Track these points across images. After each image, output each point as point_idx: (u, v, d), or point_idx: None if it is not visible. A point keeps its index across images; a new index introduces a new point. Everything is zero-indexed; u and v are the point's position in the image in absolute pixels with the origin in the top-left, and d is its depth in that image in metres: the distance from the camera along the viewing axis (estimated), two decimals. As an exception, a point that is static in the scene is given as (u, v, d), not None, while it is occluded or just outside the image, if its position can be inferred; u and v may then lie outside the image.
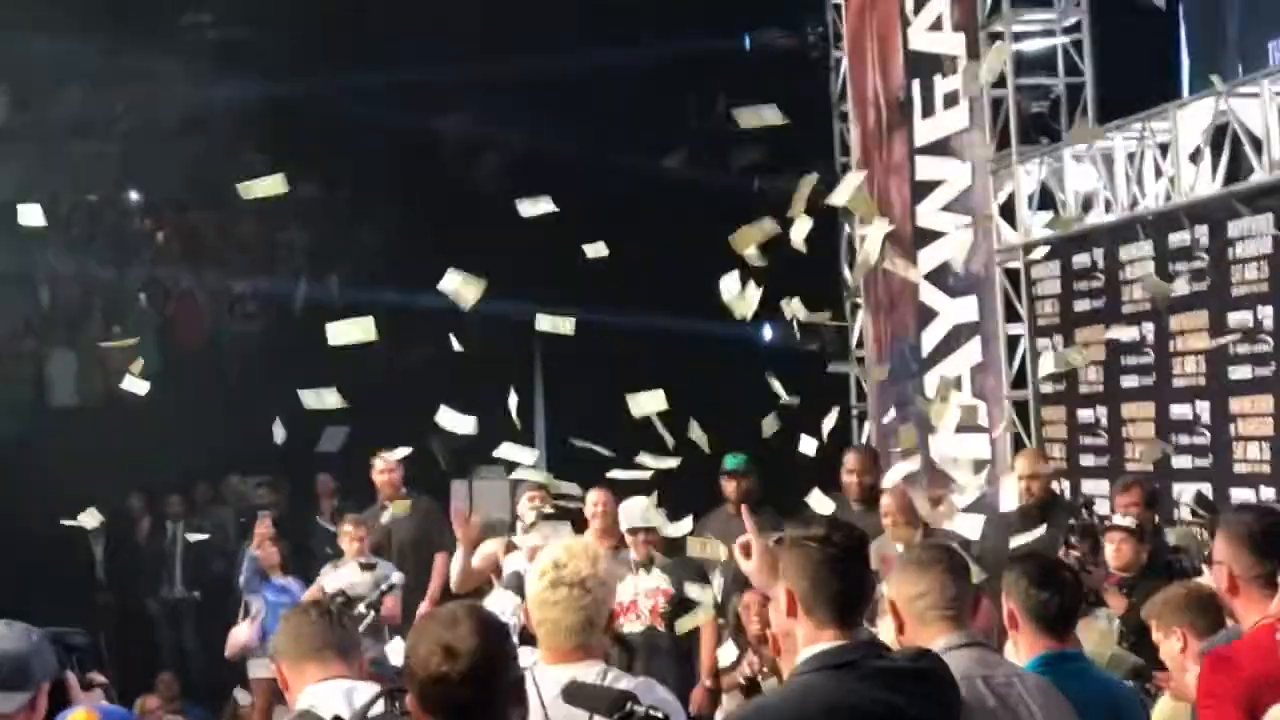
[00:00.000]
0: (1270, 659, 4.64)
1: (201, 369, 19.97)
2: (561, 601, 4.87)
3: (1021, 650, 5.67)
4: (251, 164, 18.89)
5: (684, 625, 10.15)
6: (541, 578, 4.93)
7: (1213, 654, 5.23)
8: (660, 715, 4.15)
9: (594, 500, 11.92)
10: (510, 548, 11.49)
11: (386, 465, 13.57)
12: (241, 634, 13.72)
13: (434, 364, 20.44)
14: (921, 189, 15.47)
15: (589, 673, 4.81)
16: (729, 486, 12.40)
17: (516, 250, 19.23)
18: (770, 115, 9.65)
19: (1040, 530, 10.62)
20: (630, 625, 10.29)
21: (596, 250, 10.11)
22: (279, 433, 11.53)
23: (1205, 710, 5.01)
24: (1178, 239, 12.92)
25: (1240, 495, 12.06)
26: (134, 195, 21.49)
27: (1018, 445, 14.49)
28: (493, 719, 3.88)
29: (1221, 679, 5.00)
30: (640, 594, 10.80)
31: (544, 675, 4.67)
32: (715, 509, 12.35)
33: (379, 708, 4.50)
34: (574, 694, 4.51)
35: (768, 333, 19.65)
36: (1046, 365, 13.10)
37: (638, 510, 10.99)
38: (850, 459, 12.33)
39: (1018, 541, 10.32)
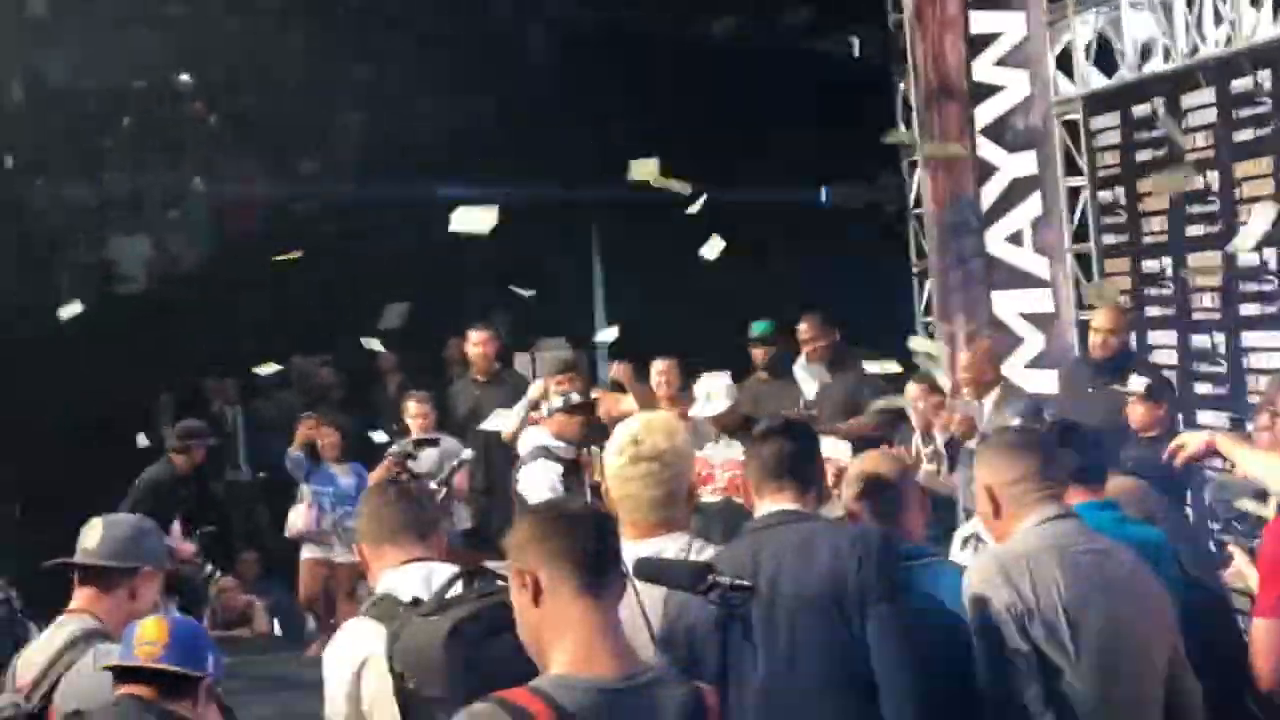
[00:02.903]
0: None
1: (255, 250, 19.94)
2: (641, 477, 4.84)
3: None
4: (298, 43, 18.77)
5: None
6: (620, 454, 4.89)
7: None
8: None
9: (659, 369, 11.98)
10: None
11: (481, 338, 13.66)
12: (297, 519, 13.95)
13: (490, 244, 20.35)
14: (977, 43, 15.29)
15: (673, 546, 4.79)
16: (756, 353, 12.41)
17: (580, 129, 19.03)
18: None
19: None
20: (707, 496, 10.23)
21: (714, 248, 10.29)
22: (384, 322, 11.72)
23: None
24: (1240, 84, 12.72)
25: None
26: (184, 79, 21.30)
27: (1081, 302, 14.40)
28: None
29: None
30: (717, 466, 10.75)
31: (627, 550, 4.65)
32: (746, 379, 12.30)
33: (457, 588, 4.48)
34: (644, 569, 4.46)
35: (823, 195, 19.67)
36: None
37: (703, 393, 11.02)
38: (805, 327, 12.31)
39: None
